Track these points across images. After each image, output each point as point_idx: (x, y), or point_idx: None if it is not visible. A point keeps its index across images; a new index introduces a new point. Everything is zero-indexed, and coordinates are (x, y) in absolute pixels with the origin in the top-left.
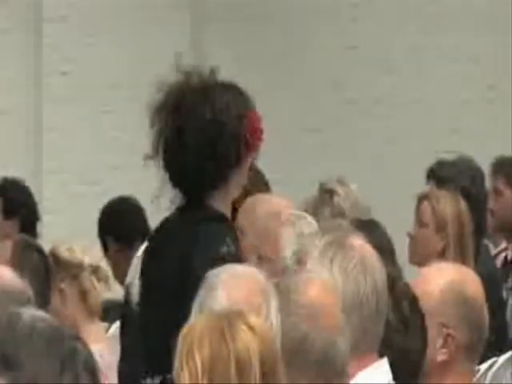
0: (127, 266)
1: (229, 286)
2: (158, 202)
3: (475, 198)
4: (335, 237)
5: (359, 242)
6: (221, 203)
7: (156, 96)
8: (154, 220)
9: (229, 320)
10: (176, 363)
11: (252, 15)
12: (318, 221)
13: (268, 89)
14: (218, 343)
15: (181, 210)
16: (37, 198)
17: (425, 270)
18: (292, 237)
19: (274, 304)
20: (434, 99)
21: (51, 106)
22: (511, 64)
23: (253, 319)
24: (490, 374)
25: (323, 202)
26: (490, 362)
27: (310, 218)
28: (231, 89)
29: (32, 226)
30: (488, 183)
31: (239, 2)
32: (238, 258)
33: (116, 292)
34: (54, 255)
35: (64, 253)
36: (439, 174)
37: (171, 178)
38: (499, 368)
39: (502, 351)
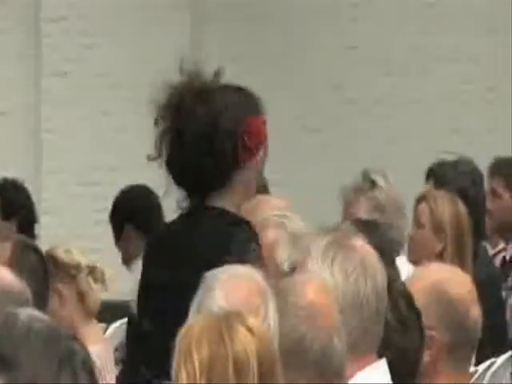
0: None
1: (227, 287)
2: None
3: (473, 200)
4: (336, 237)
5: (360, 243)
6: (227, 205)
7: (159, 96)
8: None
9: (227, 321)
10: (174, 364)
11: (252, 15)
12: (349, 208)
13: (268, 89)
14: (217, 344)
15: (188, 214)
16: (36, 198)
17: (415, 270)
18: (285, 238)
19: (271, 305)
20: (433, 99)
21: (50, 107)
22: (511, 65)
23: (251, 320)
24: (488, 374)
25: (362, 189)
26: (488, 362)
27: (294, 216)
28: (234, 91)
29: (30, 227)
30: (486, 184)
31: (239, 1)
32: (260, 262)
33: (113, 293)
34: (52, 257)
35: (62, 254)
36: (438, 175)
37: (174, 179)
38: (498, 368)
39: (501, 351)
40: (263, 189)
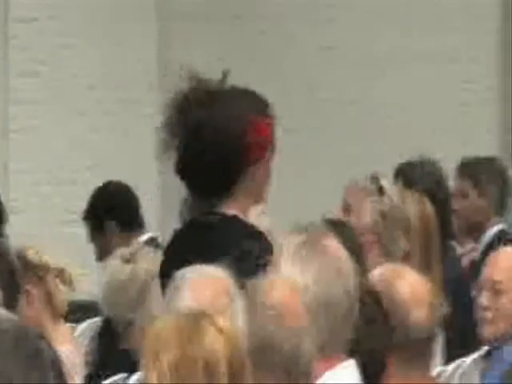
0: None
1: (195, 287)
2: None
3: (441, 200)
4: (308, 237)
5: (332, 243)
6: (238, 209)
7: (167, 101)
8: None
9: (196, 321)
10: (143, 364)
11: (225, 14)
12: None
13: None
14: (186, 344)
15: (201, 223)
16: (4, 198)
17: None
18: None
19: (239, 305)
20: (411, 100)
21: (19, 107)
22: (486, 65)
23: (220, 320)
24: (458, 374)
25: (370, 191)
26: (457, 362)
27: (263, 215)
28: (241, 93)
29: None
30: (453, 184)
31: (213, 1)
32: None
33: (82, 292)
34: (21, 257)
35: (30, 255)
36: (407, 175)
37: (186, 182)
38: (468, 368)
39: (470, 351)
40: None
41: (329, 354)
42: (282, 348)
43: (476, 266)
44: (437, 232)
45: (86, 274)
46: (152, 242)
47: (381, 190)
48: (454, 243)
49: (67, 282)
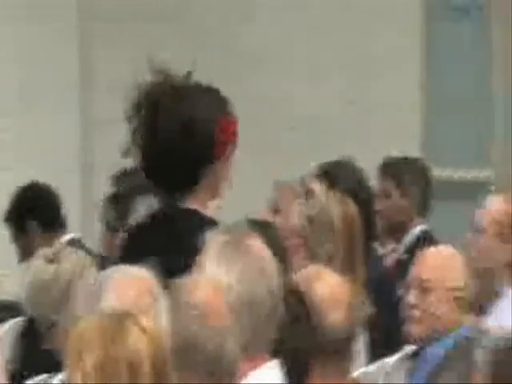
0: None
1: (118, 287)
2: None
3: (363, 200)
4: (232, 236)
5: (256, 243)
6: (200, 205)
7: (133, 94)
8: None
9: (119, 321)
10: (67, 364)
11: (147, 15)
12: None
13: None
14: (110, 345)
15: (162, 216)
16: None
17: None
18: None
19: (163, 304)
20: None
21: None
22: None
23: (143, 320)
24: (383, 374)
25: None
26: (382, 361)
27: None
28: (207, 91)
29: None
30: (375, 185)
31: (132, 2)
32: None
33: (4, 293)
34: None
35: None
36: (331, 175)
37: (149, 176)
38: (393, 368)
39: (394, 350)
40: None
41: (252, 354)
42: (205, 348)
43: (403, 266)
44: (360, 233)
45: (8, 275)
46: (74, 242)
47: (309, 193)
48: (375, 244)
49: None
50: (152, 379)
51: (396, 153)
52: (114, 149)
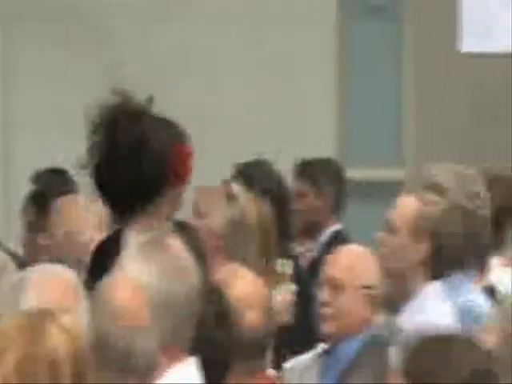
0: None
1: (38, 287)
2: None
3: (280, 200)
4: (153, 237)
5: (175, 243)
6: (147, 228)
7: (94, 114)
8: None
9: (40, 320)
10: None
11: (66, 17)
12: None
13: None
14: (30, 344)
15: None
16: None
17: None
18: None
19: (83, 303)
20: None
21: None
22: (326, 68)
23: (63, 319)
24: (297, 372)
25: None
26: (297, 359)
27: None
28: (164, 119)
29: None
30: (292, 185)
31: (51, 2)
32: None
33: None
34: None
35: None
36: (246, 176)
37: (99, 190)
38: (307, 366)
39: (308, 349)
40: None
41: (170, 352)
42: (117, 345)
43: (315, 265)
44: (274, 232)
45: None
46: None
47: (229, 195)
48: (292, 243)
49: None
50: (72, 379)
51: (311, 154)
52: (34, 149)
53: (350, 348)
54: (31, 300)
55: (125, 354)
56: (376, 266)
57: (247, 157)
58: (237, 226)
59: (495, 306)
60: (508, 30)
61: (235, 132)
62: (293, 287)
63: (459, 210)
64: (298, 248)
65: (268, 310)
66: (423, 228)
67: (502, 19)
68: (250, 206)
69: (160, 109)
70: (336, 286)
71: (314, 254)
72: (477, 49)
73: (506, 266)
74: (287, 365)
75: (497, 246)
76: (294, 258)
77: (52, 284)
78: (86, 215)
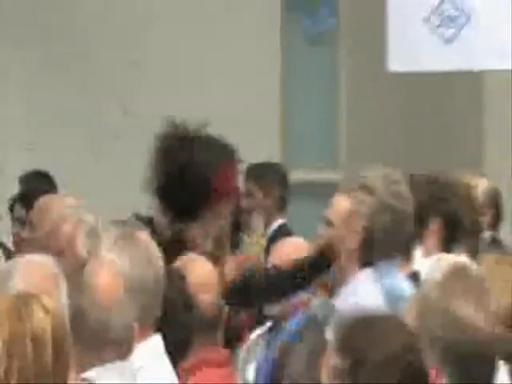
0: None
1: (24, 273)
2: None
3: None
4: (125, 230)
5: (143, 236)
6: (199, 238)
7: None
8: None
9: (25, 301)
10: None
11: (31, 22)
12: None
13: (50, 99)
14: (16, 322)
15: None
16: None
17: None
18: (82, 231)
19: (63, 287)
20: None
21: None
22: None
23: (46, 300)
24: (246, 346)
25: None
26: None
27: (86, 211)
28: (214, 140)
29: None
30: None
31: (16, 7)
32: None
33: None
34: None
35: None
36: None
37: (163, 205)
38: (254, 341)
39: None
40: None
41: (141, 329)
42: (90, 319)
43: (265, 254)
44: (228, 228)
45: None
46: None
47: None
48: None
49: None
50: (52, 351)
51: (259, 159)
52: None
53: (290, 326)
54: (18, 285)
55: (103, 329)
56: None
57: None
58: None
59: (417, 289)
60: (432, 50)
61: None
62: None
63: (386, 208)
64: (248, 239)
65: (219, 293)
66: (356, 223)
67: (426, 41)
68: None
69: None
70: None
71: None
72: (403, 69)
73: (428, 255)
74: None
75: (419, 238)
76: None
77: (35, 271)
78: (64, 211)
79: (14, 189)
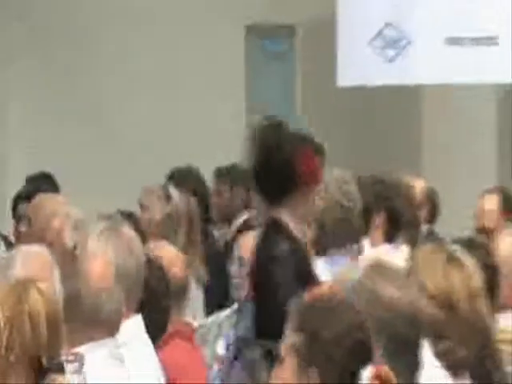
0: None
1: (23, 261)
2: None
3: (203, 197)
4: (109, 224)
5: (127, 229)
6: (288, 220)
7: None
8: None
9: (24, 286)
10: None
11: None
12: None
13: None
14: (16, 303)
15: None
16: None
17: None
18: (70, 225)
19: (56, 274)
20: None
21: None
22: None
23: (41, 285)
24: (215, 325)
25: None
26: (215, 316)
27: (74, 208)
28: (298, 132)
29: None
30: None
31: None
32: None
33: None
34: None
35: None
36: (178, 179)
37: (256, 187)
38: (222, 321)
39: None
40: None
41: (126, 310)
42: (85, 302)
43: (228, 245)
44: (198, 221)
45: None
46: None
47: (168, 195)
48: (212, 229)
49: None
50: (47, 329)
51: (227, 161)
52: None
53: (253, 307)
54: (18, 272)
55: (93, 309)
56: None
57: (179, 163)
58: (170, 218)
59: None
60: (376, 68)
61: (170, 142)
62: None
63: (337, 204)
64: (217, 232)
65: (186, 269)
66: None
67: (371, 60)
68: (181, 202)
69: None
70: (243, 263)
71: (228, 237)
72: (351, 83)
73: (374, 245)
74: (210, 319)
75: (367, 231)
76: (214, 241)
77: (33, 260)
78: (55, 208)
79: (15, 188)
